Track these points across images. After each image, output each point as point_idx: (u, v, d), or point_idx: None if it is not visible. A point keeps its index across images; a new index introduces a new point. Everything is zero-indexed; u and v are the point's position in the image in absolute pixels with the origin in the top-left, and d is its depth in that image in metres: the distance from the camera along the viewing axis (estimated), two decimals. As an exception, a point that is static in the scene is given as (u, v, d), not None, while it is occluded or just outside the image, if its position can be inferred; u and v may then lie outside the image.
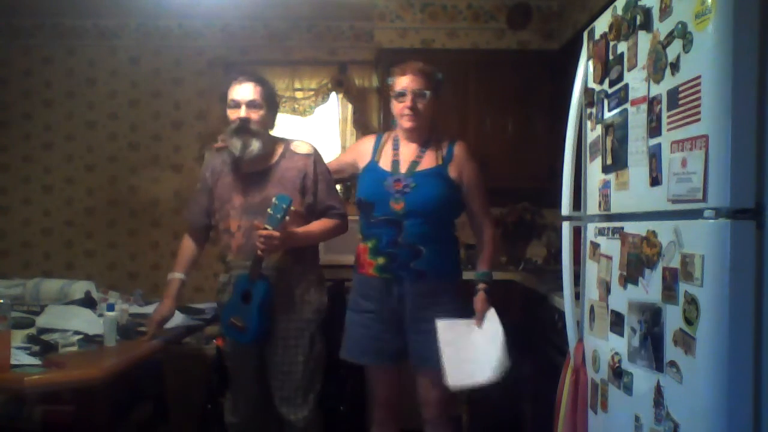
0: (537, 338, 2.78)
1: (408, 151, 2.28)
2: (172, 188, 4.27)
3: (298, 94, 4.20)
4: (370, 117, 4.16)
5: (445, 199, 2.22)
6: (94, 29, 4.30)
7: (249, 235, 2.21)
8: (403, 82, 2.23)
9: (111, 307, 2.23)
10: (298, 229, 2.21)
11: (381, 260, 2.18)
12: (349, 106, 4.20)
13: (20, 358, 1.91)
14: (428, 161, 2.25)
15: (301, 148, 2.35)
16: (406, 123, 2.24)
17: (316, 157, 2.34)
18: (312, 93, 4.19)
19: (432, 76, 2.27)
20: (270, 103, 2.29)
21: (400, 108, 2.24)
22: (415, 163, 2.24)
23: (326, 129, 4.28)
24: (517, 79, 3.84)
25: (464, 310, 2.24)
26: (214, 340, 2.98)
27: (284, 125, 4.25)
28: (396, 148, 2.30)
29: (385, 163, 2.27)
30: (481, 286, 2.25)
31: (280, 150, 2.33)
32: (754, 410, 1.19)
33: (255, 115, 2.23)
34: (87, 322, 2.27)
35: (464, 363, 2.15)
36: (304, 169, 2.29)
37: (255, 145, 2.21)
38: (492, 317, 2.23)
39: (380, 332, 2.21)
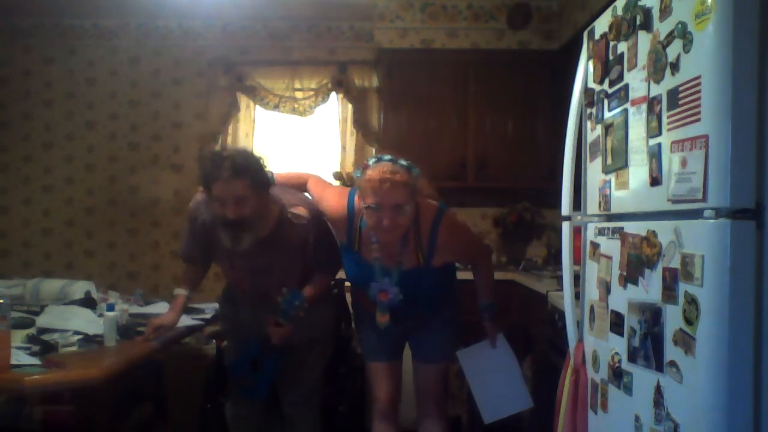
0: (537, 338, 2.78)
1: (387, 249, 2.07)
2: (172, 188, 4.27)
3: (298, 94, 4.20)
4: (370, 117, 4.16)
5: (434, 286, 2.18)
6: (94, 29, 4.31)
7: (254, 286, 2.22)
8: (379, 196, 1.91)
9: (111, 307, 2.24)
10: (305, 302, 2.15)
11: (381, 309, 2.14)
12: (349, 106, 4.20)
13: (20, 358, 1.91)
14: (410, 259, 2.08)
15: (297, 217, 2.16)
16: (382, 237, 2.00)
17: (314, 221, 2.18)
18: (312, 93, 4.19)
19: (409, 182, 1.95)
20: (259, 188, 2.04)
21: (374, 221, 1.95)
22: (398, 264, 2.08)
23: (326, 129, 4.28)
24: (517, 79, 3.85)
25: (462, 310, 2.30)
26: (214, 340, 2.98)
27: (284, 125, 4.26)
28: (375, 240, 2.06)
29: (366, 251, 2.09)
30: (486, 315, 2.26)
31: (275, 217, 2.15)
32: (754, 410, 1.19)
33: (245, 209, 2.00)
34: (87, 322, 2.26)
35: (493, 396, 2.26)
36: (303, 237, 2.17)
37: (246, 240, 2.06)
38: (503, 344, 2.28)
39: (385, 333, 2.24)
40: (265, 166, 2.08)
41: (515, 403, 2.28)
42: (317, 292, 2.25)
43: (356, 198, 2.07)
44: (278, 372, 2.21)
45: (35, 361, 1.92)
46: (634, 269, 1.48)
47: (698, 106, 1.22)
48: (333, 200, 2.16)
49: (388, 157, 1.99)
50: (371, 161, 2.00)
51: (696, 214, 1.23)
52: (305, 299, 2.10)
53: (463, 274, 2.37)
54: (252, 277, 2.22)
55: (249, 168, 1.99)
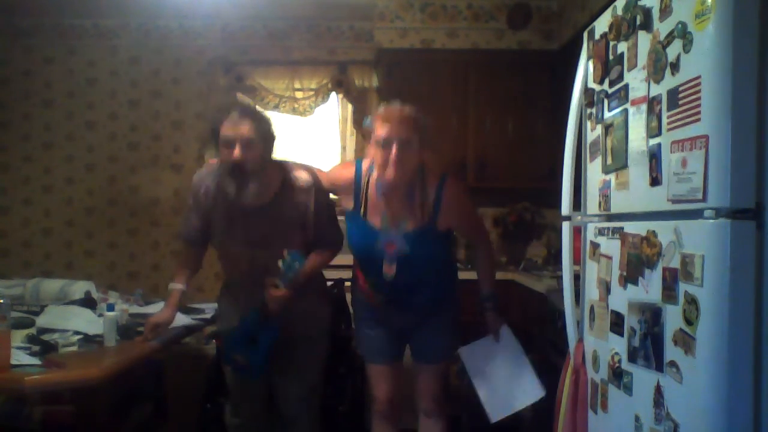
0: (537, 338, 2.78)
1: (396, 199, 2.10)
2: (172, 188, 4.27)
3: (298, 94, 4.20)
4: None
5: (439, 252, 2.19)
6: (94, 29, 4.30)
7: (252, 262, 2.18)
8: (388, 129, 1.99)
9: (111, 307, 2.24)
10: (304, 269, 2.13)
11: (381, 296, 2.17)
12: (349, 106, 4.20)
13: (20, 358, 1.91)
14: (417, 217, 2.10)
15: (300, 179, 2.18)
16: (389, 174, 2.01)
17: (316, 186, 2.19)
18: (312, 93, 4.19)
19: (419, 122, 2.05)
20: (266, 138, 2.09)
21: (382, 157, 2.01)
22: (405, 221, 2.10)
23: (326, 129, 4.28)
24: (517, 79, 3.85)
25: (462, 310, 2.29)
26: (214, 340, 2.98)
27: (284, 125, 4.26)
28: (381, 194, 2.10)
29: (372, 216, 2.12)
30: (488, 305, 2.26)
31: (278, 180, 2.16)
32: (754, 410, 1.19)
33: (251, 154, 2.02)
34: (87, 322, 2.26)
35: (499, 391, 2.21)
36: (305, 204, 2.17)
37: (251, 189, 2.06)
38: (507, 335, 2.26)
39: (385, 334, 2.26)
40: (271, 124, 2.13)
41: (525, 396, 2.20)
42: (318, 265, 2.24)
43: (364, 164, 2.15)
44: (275, 343, 2.16)
45: (35, 361, 1.92)
46: (634, 269, 1.48)
47: (698, 106, 1.22)
48: (339, 168, 2.28)
49: (397, 102, 2.10)
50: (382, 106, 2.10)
51: (696, 214, 1.24)
52: (305, 263, 2.08)
53: (464, 274, 2.37)
54: (251, 252, 2.18)
55: (255, 114, 2.08)
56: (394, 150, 1.98)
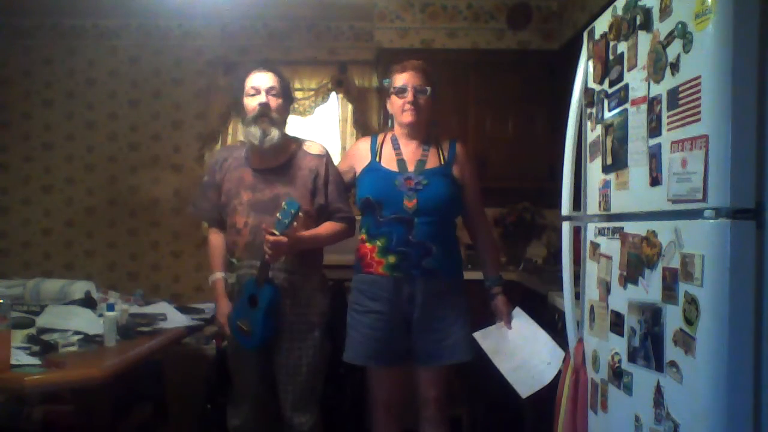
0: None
1: (410, 149, 2.25)
2: (172, 188, 4.27)
3: (298, 94, 4.19)
4: (370, 117, 4.16)
5: (453, 197, 2.23)
6: (94, 29, 4.31)
7: (256, 233, 2.20)
8: (404, 78, 2.23)
9: (111, 307, 2.24)
10: (305, 233, 2.19)
11: (392, 259, 2.15)
12: (349, 106, 4.20)
13: (20, 358, 1.91)
14: (433, 160, 2.24)
15: (313, 148, 2.34)
16: (407, 118, 2.21)
17: (328, 158, 2.33)
18: (312, 93, 4.19)
19: (431, 75, 2.27)
20: (286, 95, 2.29)
21: (400, 104, 2.22)
22: (422, 162, 2.22)
23: (326, 129, 4.28)
24: (517, 79, 3.85)
25: (468, 307, 2.25)
26: (214, 340, 2.98)
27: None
28: (397, 147, 2.27)
29: (388, 163, 2.24)
30: (496, 290, 2.28)
31: (292, 148, 2.32)
32: (754, 410, 1.19)
33: (274, 102, 2.23)
34: (87, 322, 2.26)
35: (523, 369, 2.20)
36: (316, 170, 2.27)
37: (274, 133, 2.20)
38: (519, 315, 2.26)
39: (387, 333, 2.18)
40: (290, 84, 2.37)
41: (550, 368, 2.15)
42: (328, 232, 2.27)
43: (379, 136, 2.35)
44: (275, 307, 2.16)
45: (35, 361, 1.92)
46: (634, 269, 1.48)
47: (698, 106, 1.22)
48: (355, 143, 2.48)
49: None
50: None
51: (696, 214, 1.24)
52: (300, 208, 2.09)
53: (468, 274, 2.36)
54: (256, 220, 2.20)
55: (280, 72, 2.31)
56: (410, 95, 2.20)
